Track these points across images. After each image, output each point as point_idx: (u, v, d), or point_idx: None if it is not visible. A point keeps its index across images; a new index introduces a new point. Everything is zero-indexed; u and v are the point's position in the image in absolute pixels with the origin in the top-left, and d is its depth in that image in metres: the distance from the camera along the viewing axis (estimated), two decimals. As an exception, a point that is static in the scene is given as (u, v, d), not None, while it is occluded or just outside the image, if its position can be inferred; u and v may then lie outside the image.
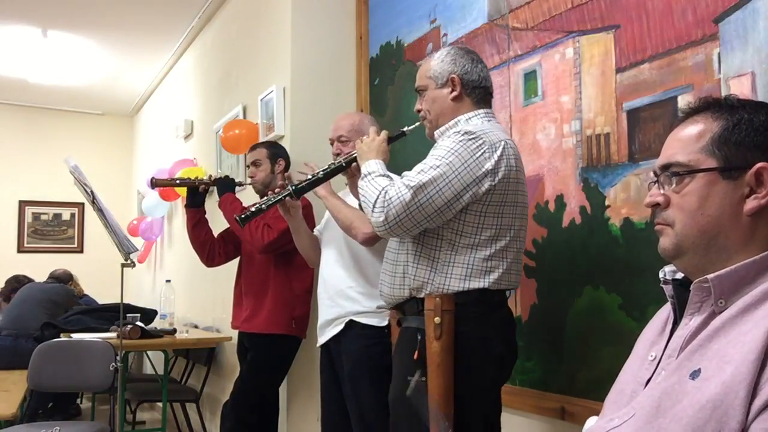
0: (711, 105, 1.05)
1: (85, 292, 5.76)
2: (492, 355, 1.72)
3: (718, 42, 1.64)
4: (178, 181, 3.26)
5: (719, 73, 1.64)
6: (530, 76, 2.24)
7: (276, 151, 3.03)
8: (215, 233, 3.25)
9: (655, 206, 1.05)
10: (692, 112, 1.06)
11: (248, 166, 3.04)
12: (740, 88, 1.57)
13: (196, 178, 3.19)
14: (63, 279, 5.36)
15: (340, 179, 2.30)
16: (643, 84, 1.83)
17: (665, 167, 1.05)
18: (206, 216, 3.21)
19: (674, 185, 1.03)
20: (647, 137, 1.82)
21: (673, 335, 1.01)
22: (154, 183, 3.19)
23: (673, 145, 1.06)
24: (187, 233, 3.21)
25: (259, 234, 2.80)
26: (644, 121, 1.83)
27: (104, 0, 4.53)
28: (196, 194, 3.15)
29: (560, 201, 2.09)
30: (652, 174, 1.09)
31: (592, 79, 1.99)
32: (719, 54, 1.64)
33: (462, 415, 1.66)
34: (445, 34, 2.69)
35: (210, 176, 3.19)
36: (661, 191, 1.05)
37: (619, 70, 1.91)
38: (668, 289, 1.08)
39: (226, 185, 3.06)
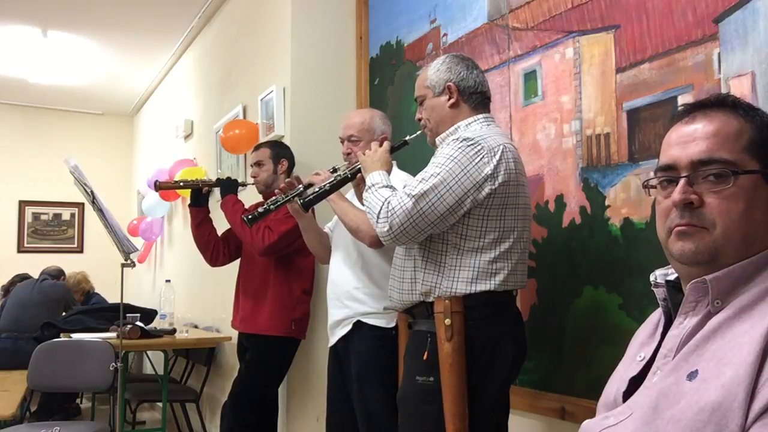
0: (722, 103, 1.00)
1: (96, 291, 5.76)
2: (502, 355, 1.74)
3: (718, 42, 1.64)
4: (181, 183, 3.25)
5: (719, 73, 1.64)
6: (530, 76, 2.24)
7: (279, 151, 3.03)
8: (219, 233, 3.24)
9: (688, 205, 0.96)
10: (701, 107, 1.01)
11: (251, 166, 3.04)
12: (740, 88, 1.57)
13: (199, 179, 3.18)
14: (56, 276, 5.34)
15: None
16: (643, 84, 1.83)
17: (704, 163, 0.95)
18: (210, 215, 3.21)
19: (714, 185, 0.95)
20: (647, 137, 1.82)
21: (665, 336, 1.00)
22: (158, 186, 3.18)
23: (706, 141, 0.96)
24: (192, 233, 3.20)
25: (259, 236, 2.80)
26: (644, 121, 1.83)
27: (104, 0, 4.53)
28: (199, 194, 3.15)
29: (560, 201, 2.09)
30: (658, 172, 1.02)
31: (592, 79, 1.99)
32: (719, 54, 1.64)
33: (473, 414, 1.69)
34: (445, 34, 2.69)
35: (211, 178, 3.19)
36: (691, 188, 0.95)
37: (619, 70, 1.91)
38: (660, 292, 1.07)
39: (228, 186, 3.05)
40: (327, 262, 2.47)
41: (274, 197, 2.32)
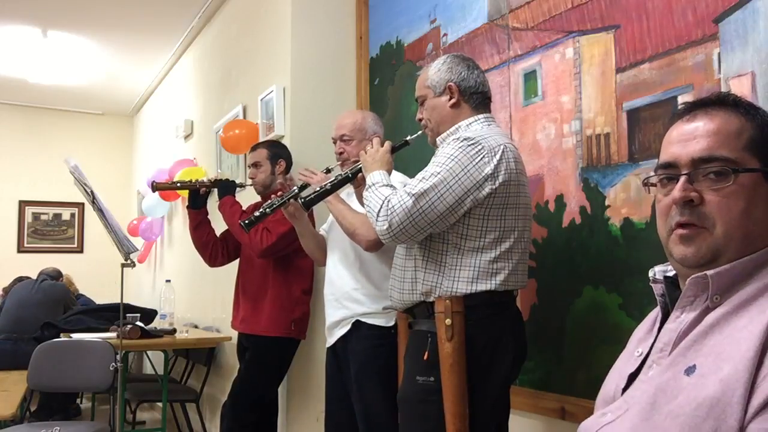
0: (723, 101, 1.00)
1: (81, 292, 5.74)
2: (503, 355, 1.75)
3: (718, 42, 1.64)
4: (178, 184, 3.25)
5: (719, 73, 1.64)
6: (530, 76, 2.24)
7: (277, 151, 3.02)
8: (217, 233, 3.24)
9: (688, 203, 0.95)
10: (702, 105, 1.01)
11: (249, 167, 3.04)
12: (740, 88, 1.57)
13: (197, 180, 3.16)
14: (54, 277, 5.33)
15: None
16: (643, 84, 1.83)
17: (704, 160, 0.95)
18: (208, 217, 3.21)
19: (714, 183, 0.94)
20: (647, 137, 1.82)
21: (661, 331, 1.00)
22: (155, 187, 3.17)
23: (706, 139, 0.96)
24: (190, 234, 3.21)
25: (257, 238, 2.80)
26: (644, 121, 1.83)
27: (104, 0, 4.53)
28: (197, 196, 3.14)
29: (560, 201, 2.09)
30: (658, 170, 1.02)
31: (592, 79, 1.99)
32: (719, 54, 1.64)
33: (474, 414, 1.70)
34: (445, 34, 2.69)
35: (210, 178, 3.18)
36: (691, 187, 0.95)
37: (619, 70, 1.91)
38: (658, 288, 1.07)
39: (226, 187, 3.05)
40: (324, 265, 2.47)
41: (270, 201, 2.32)
